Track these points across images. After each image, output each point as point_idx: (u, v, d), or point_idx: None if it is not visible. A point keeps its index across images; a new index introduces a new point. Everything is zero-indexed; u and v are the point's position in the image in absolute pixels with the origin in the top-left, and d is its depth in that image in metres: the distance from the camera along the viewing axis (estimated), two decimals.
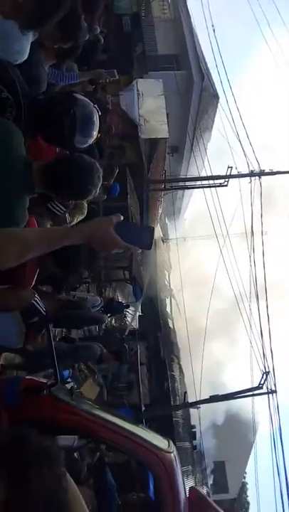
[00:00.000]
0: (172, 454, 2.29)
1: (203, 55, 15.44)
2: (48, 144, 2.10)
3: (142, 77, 13.23)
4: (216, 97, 14.97)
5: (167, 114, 12.08)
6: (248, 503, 20.90)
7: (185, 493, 2.37)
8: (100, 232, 1.33)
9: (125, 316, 14.29)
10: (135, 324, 14.86)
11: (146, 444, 2.23)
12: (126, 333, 12.40)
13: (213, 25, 13.63)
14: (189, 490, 2.74)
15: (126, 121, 11.51)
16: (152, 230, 1.45)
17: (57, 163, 1.81)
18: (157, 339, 13.86)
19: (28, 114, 1.87)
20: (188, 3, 16.28)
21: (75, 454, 2.84)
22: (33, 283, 2.45)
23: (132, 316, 14.58)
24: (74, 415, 2.15)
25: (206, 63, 15.28)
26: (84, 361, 5.75)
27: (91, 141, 2.02)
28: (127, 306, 13.08)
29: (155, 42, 15.87)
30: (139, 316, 15.31)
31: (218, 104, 15.15)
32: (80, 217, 2.78)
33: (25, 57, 1.99)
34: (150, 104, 11.76)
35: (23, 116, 1.85)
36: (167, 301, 16.80)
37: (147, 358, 13.05)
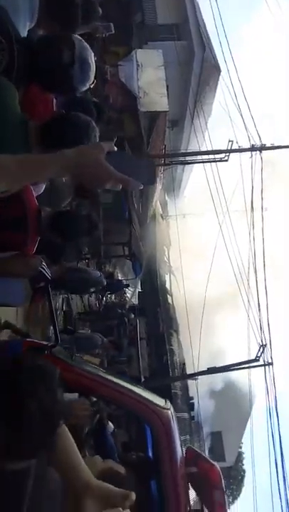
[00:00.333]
0: (169, 411, 2.39)
1: (204, 25, 14.93)
2: (43, 90, 2.03)
3: (141, 48, 12.85)
4: (218, 68, 14.57)
5: (167, 86, 11.79)
6: (243, 471, 21.73)
7: (182, 449, 2.47)
8: (88, 159, 1.07)
9: (125, 292, 14.44)
10: (135, 300, 15.04)
11: (145, 400, 2.31)
12: (126, 309, 12.57)
13: None
14: (186, 449, 2.85)
15: (125, 93, 11.26)
16: (153, 163, 1.38)
17: (53, 122, 1.78)
18: (156, 314, 14.06)
19: (23, 59, 1.77)
20: None
21: None
22: (34, 250, 2.49)
23: (132, 292, 14.73)
24: (74, 374, 2.23)
25: (207, 33, 14.79)
26: (85, 351, 5.86)
27: (88, 83, 1.96)
28: (127, 286, 13.20)
29: (155, 11, 15.32)
30: (139, 292, 15.46)
31: (220, 76, 14.78)
32: None
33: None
34: (150, 75, 11.47)
35: (16, 62, 1.76)
36: (167, 277, 16.91)
37: (147, 332, 13.29)
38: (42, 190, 2.44)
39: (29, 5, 1.97)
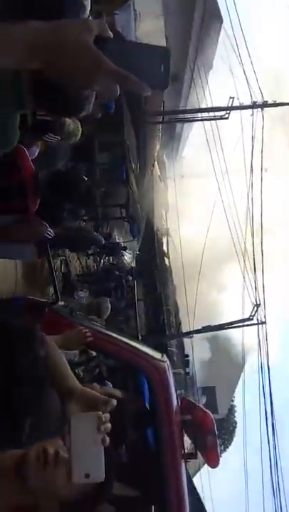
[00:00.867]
0: (165, 363, 2.49)
1: None
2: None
3: None
4: (220, 18, 13.76)
5: (166, 38, 11.18)
6: (235, 422, 23.01)
7: (177, 399, 2.60)
8: (68, 39, 0.72)
9: (123, 255, 14.51)
10: (133, 262, 15.16)
11: (142, 353, 2.40)
12: (124, 271, 12.69)
13: None
14: (181, 399, 2.99)
15: None
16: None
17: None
18: (154, 276, 14.24)
19: None
20: None
21: (77, 371, 3.06)
22: (35, 209, 2.56)
23: (130, 255, 14.80)
24: (72, 328, 2.30)
25: None
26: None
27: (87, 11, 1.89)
28: (124, 248, 13.23)
29: None
30: (137, 254, 15.56)
31: (222, 27, 13.98)
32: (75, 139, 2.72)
33: None
34: (148, 25, 10.83)
35: None
36: (164, 239, 16.95)
37: (144, 294, 13.52)
38: (36, 154, 2.42)
39: None
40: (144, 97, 11.56)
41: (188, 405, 2.82)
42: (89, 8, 1.83)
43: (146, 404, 3.04)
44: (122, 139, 11.09)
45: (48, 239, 2.67)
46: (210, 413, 2.60)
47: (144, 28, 10.74)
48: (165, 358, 2.61)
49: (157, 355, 2.60)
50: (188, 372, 13.07)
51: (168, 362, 2.59)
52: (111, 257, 13.63)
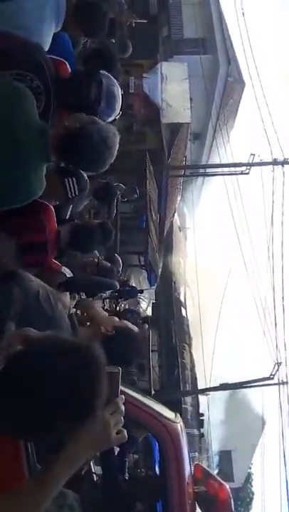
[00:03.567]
0: (178, 425, 2.30)
1: (230, 40, 15.02)
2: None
3: (166, 61, 13.00)
4: (242, 82, 14.60)
5: (191, 99, 11.86)
6: (252, 492, 20.98)
7: (190, 464, 2.38)
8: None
9: (139, 303, 14.35)
10: (149, 311, 14.92)
11: (154, 412, 2.24)
12: (140, 318, 12.46)
13: (242, 9, 13.25)
14: (195, 466, 2.75)
15: (148, 105, 11.37)
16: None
17: (72, 135, 1.75)
18: (169, 326, 13.90)
19: (57, 96, 1.92)
20: None
21: None
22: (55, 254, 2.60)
23: (146, 303, 14.63)
24: None
25: (233, 48, 14.87)
26: None
27: (114, 115, 2.07)
28: (141, 292, 13.11)
29: (182, 25, 15.53)
30: (153, 303, 15.35)
31: (244, 91, 14.78)
32: None
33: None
34: (174, 88, 11.57)
35: (52, 103, 1.91)
36: (181, 289, 16.76)
37: (159, 345, 13.13)
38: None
39: (55, 13, 2.01)
40: (167, 152, 12.10)
41: (203, 474, 2.57)
42: (120, 107, 2.09)
43: (156, 470, 2.80)
44: (144, 191, 11.44)
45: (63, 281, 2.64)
46: (226, 485, 2.35)
47: (170, 91, 11.46)
48: (179, 419, 2.42)
49: (170, 414, 2.41)
50: (202, 434, 12.23)
51: (182, 423, 2.40)
52: (127, 304, 13.48)
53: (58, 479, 1.02)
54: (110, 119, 2.07)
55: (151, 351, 11.50)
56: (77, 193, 2.47)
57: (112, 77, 2.09)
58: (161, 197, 13.04)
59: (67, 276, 2.63)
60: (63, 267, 2.58)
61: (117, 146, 1.80)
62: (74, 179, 2.37)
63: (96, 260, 3.64)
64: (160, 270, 13.44)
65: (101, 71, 2.04)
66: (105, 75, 2.04)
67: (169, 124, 11.77)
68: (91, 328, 1.85)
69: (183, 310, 16.18)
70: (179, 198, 15.60)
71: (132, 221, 12.56)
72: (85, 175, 2.51)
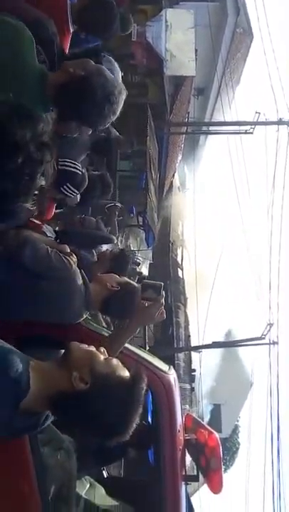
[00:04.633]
0: (172, 376, 2.37)
1: None
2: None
3: (172, 8, 12.15)
4: (251, 35, 13.76)
5: (196, 51, 11.21)
6: (238, 443, 22.35)
7: (182, 414, 2.47)
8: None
9: (138, 263, 14.43)
10: (145, 271, 15.05)
11: (147, 363, 2.29)
12: (136, 279, 12.58)
13: None
14: (186, 416, 2.85)
15: (151, 55, 10.75)
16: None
17: (73, 86, 1.63)
18: (166, 286, 14.07)
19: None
20: None
21: None
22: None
23: (143, 263, 14.71)
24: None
25: None
26: None
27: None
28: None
29: None
30: (150, 263, 15.45)
31: (252, 44, 13.97)
32: None
33: None
34: (179, 37, 10.88)
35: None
36: (179, 251, 16.82)
37: None
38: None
39: None
40: (169, 108, 11.61)
41: (193, 423, 2.68)
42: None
43: (149, 418, 2.91)
44: (144, 148, 11.11)
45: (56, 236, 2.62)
46: (216, 434, 2.46)
47: (174, 40, 10.79)
48: (172, 371, 2.49)
49: (164, 366, 2.48)
50: (193, 388, 12.77)
51: (175, 375, 2.47)
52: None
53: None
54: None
55: None
56: (76, 192, 2.50)
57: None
58: (162, 155, 12.69)
59: (49, 235, 2.59)
60: (45, 225, 2.53)
61: (121, 104, 1.71)
62: (68, 184, 2.36)
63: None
64: (158, 231, 13.38)
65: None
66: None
67: (173, 76, 11.19)
68: (100, 284, 1.97)
69: (179, 271, 16.33)
70: (179, 157, 15.21)
71: (132, 180, 12.31)
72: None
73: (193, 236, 15.67)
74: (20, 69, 1.54)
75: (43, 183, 1.10)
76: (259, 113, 10.09)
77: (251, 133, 10.49)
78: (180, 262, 16.82)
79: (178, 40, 10.78)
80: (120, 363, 1.31)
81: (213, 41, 12.79)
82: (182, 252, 17.08)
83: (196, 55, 11.11)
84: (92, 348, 1.32)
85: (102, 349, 1.36)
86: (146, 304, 1.76)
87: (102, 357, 1.30)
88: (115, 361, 1.31)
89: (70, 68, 1.64)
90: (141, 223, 12.76)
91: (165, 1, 12.55)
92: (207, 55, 13.17)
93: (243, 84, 15.95)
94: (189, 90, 12.27)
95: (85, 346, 1.29)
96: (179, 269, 16.37)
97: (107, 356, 1.32)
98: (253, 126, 10.34)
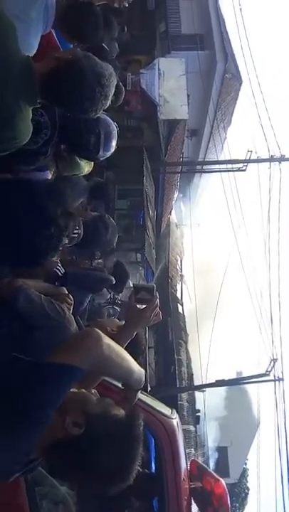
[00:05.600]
0: (175, 421, 2.30)
1: (228, 36, 14.95)
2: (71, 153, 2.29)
3: (164, 57, 12.93)
4: (239, 79, 14.56)
5: (188, 96, 11.81)
6: (248, 488, 21.13)
7: (186, 460, 2.38)
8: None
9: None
10: None
11: (149, 408, 2.23)
12: None
13: (240, 5, 13.20)
14: (191, 462, 2.75)
15: (145, 101, 11.32)
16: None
17: (61, 69, 1.52)
18: (166, 323, 13.91)
19: (60, 133, 2.01)
20: None
21: None
22: None
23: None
24: None
25: (230, 44, 14.82)
26: None
27: (111, 151, 2.24)
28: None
29: (179, 21, 15.43)
30: None
31: (241, 87, 14.74)
32: (87, 168, 2.76)
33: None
34: (171, 84, 11.51)
35: (55, 136, 1.98)
36: (178, 286, 16.78)
37: (155, 341, 13.14)
38: (46, 177, 2.44)
39: (43, 15, 1.89)
40: (164, 149, 12.06)
41: (199, 470, 2.57)
42: (115, 143, 2.16)
43: (152, 466, 2.80)
44: (140, 187, 11.41)
45: (58, 276, 2.62)
46: (222, 481, 2.35)
47: (167, 86, 11.40)
48: (175, 415, 2.41)
49: (166, 410, 2.40)
50: (198, 430, 12.27)
51: (178, 419, 2.39)
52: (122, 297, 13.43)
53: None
54: (107, 155, 2.23)
55: (148, 348, 11.51)
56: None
57: (108, 118, 2.18)
58: (158, 193, 13.02)
59: (60, 273, 2.61)
60: (57, 264, 2.56)
61: (113, 88, 1.59)
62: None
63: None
64: (157, 267, 13.43)
65: (100, 115, 1.96)
66: (102, 119, 2.11)
67: (167, 120, 11.72)
68: (99, 329, 1.94)
69: (179, 306, 16.20)
70: (175, 195, 15.58)
71: (129, 218, 12.53)
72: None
73: (192, 271, 15.72)
74: (3, 58, 1.40)
75: (66, 241, 1.44)
76: (251, 151, 10.46)
77: (244, 170, 10.83)
78: (180, 298, 16.73)
79: (170, 86, 11.38)
80: (114, 402, 1.28)
81: (204, 86, 13.52)
82: (181, 287, 17.04)
83: (188, 100, 11.68)
84: (83, 390, 1.30)
85: (94, 390, 1.34)
86: (141, 307, 1.72)
87: (94, 398, 1.27)
88: (108, 400, 1.28)
89: (56, 55, 1.55)
90: (139, 260, 12.84)
91: (157, 50, 13.41)
92: (199, 99, 13.87)
93: (235, 125, 16.66)
94: (183, 132, 12.80)
95: (74, 389, 1.25)
96: (178, 304, 16.25)
97: (98, 396, 1.30)
98: (245, 164, 10.69)
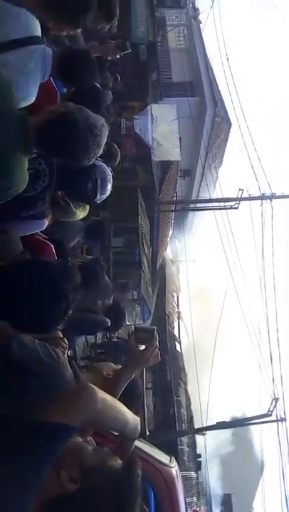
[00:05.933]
0: (174, 469, 2.21)
1: (216, 83, 15.85)
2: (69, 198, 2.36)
3: (156, 103, 13.61)
4: (229, 122, 15.26)
5: (180, 138, 12.32)
6: None
7: (186, 511, 2.26)
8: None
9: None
10: (142, 346, 14.65)
11: (146, 456, 2.16)
12: None
13: (227, 55, 14.10)
14: None
15: (139, 145, 11.78)
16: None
17: (54, 122, 1.61)
18: (164, 362, 13.63)
19: (57, 180, 2.09)
20: (202, 34, 16.91)
21: None
22: None
23: None
24: None
25: (219, 90, 15.67)
26: None
27: (107, 195, 2.34)
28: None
29: (170, 70, 16.39)
30: None
31: (231, 130, 15.42)
32: (83, 214, 2.80)
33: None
34: (164, 128, 12.04)
35: (53, 183, 2.05)
36: (175, 323, 16.61)
37: (153, 381, 12.81)
38: (45, 226, 2.51)
39: (41, 65, 2.02)
40: (158, 189, 12.41)
41: None
42: (111, 185, 2.24)
43: None
44: (136, 225, 11.61)
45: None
46: None
47: (160, 130, 11.93)
48: (174, 463, 2.33)
49: (165, 458, 2.32)
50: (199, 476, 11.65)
51: (177, 467, 2.31)
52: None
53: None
54: (104, 197, 2.31)
55: (145, 389, 11.20)
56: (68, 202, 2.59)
57: (103, 164, 2.29)
58: (153, 231, 13.22)
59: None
60: None
61: (105, 138, 1.68)
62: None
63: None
64: (153, 304, 13.35)
65: (96, 162, 2.11)
66: (98, 166, 2.22)
67: (160, 161, 12.15)
68: (94, 374, 1.90)
69: (177, 344, 15.94)
70: (170, 232, 15.81)
71: (125, 255, 12.63)
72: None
73: (188, 307, 15.62)
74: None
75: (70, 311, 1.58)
76: (242, 190, 10.77)
77: (236, 208, 11.09)
78: (177, 335, 16.50)
79: (163, 130, 11.91)
80: (110, 451, 1.24)
81: (195, 130, 14.13)
82: (179, 324, 16.85)
83: (180, 143, 12.18)
84: (79, 439, 1.26)
85: (89, 438, 1.30)
86: (140, 348, 1.72)
87: (89, 448, 1.23)
88: (105, 450, 1.24)
89: (51, 108, 1.67)
90: (135, 297, 12.78)
91: (150, 97, 14.14)
92: (190, 141, 14.46)
93: (226, 165, 17.26)
94: (176, 172, 13.23)
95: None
96: (176, 342, 16.00)
97: (94, 446, 1.26)
98: (237, 202, 10.97)
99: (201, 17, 17.38)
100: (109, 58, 4.42)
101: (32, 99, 1.98)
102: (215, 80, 15.93)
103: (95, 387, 1.27)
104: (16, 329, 1.64)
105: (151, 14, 14.20)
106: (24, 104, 1.92)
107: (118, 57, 3.99)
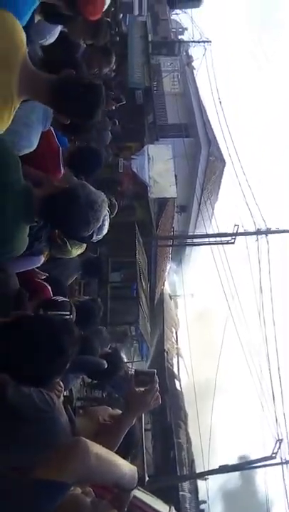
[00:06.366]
0: None
1: (210, 124, 16.55)
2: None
3: (152, 144, 14.13)
4: (222, 161, 15.77)
5: (176, 176, 12.68)
6: None
7: None
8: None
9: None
10: None
11: (144, 505, 2.05)
12: None
13: (219, 98, 14.83)
14: None
15: (136, 183, 12.10)
16: None
17: (57, 196, 1.75)
18: (163, 402, 13.19)
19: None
20: (196, 79, 17.89)
21: None
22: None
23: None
24: None
25: (212, 131, 16.34)
26: None
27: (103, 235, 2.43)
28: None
29: (165, 112, 17.16)
30: None
31: (225, 168, 15.91)
32: (79, 251, 2.82)
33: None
34: (160, 167, 12.43)
35: (49, 226, 2.11)
36: (174, 360, 16.25)
37: (152, 423, 12.34)
38: (41, 263, 2.52)
39: (42, 117, 2.16)
40: (155, 224, 12.60)
41: None
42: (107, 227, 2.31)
43: None
44: (133, 260, 11.66)
45: None
46: None
47: (156, 169, 12.30)
48: None
49: (164, 508, 2.20)
50: None
51: None
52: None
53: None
54: (101, 237, 2.38)
55: (144, 430, 10.75)
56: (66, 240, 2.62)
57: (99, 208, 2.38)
58: (151, 265, 13.27)
59: None
60: None
61: (104, 212, 1.84)
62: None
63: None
64: (152, 341, 13.13)
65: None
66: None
67: (157, 198, 12.43)
68: (89, 419, 1.87)
69: (177, 382, 15.51)
70: (168, 267, 15.87)
71: (123, 290, 12.59)
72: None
73: (188, 343, 15.36)
74: (4, 185, 1.60)
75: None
76: (238, 225, 10.96)
77: (233, 243, 11.23)
78: (176, 373, 16.09)
79: (159, 169, 12.29)
80: (108, 503, 1.20)
81: (190, 168, 14.58)
82: (178, 362, 16.49)
83: (176, 180, 12.52)
84: (78, 490, 1.22)
85: (88, 489, 1.26)
86: (140, 390, 1.68)
87: (88, 501, 1.19)
88: (104, 503, 1.20)
89: (55, 182, 1.80)
90: (134, 333, 12.59)
91: (146, 138, 14.70)
92: (186, 178, 14.88)
93: (221, 201, 17.67)
94: (172, 209, 13.50)
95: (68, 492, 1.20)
96: (176, 380, 15.58)
97: (93, 497, 1.22)
98: (233, 237, 11.12)
99: (194, 63, 18.48)
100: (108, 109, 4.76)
101: (34, 147, 2.13)
102: (208, 122, 16.66)
103: (89, 442, 1.25)
104: (15, 382, 1.63)
105: (147, 61, 15.05)
106: (27, 151, 2.07)
107: (114, 108, 4.27)
